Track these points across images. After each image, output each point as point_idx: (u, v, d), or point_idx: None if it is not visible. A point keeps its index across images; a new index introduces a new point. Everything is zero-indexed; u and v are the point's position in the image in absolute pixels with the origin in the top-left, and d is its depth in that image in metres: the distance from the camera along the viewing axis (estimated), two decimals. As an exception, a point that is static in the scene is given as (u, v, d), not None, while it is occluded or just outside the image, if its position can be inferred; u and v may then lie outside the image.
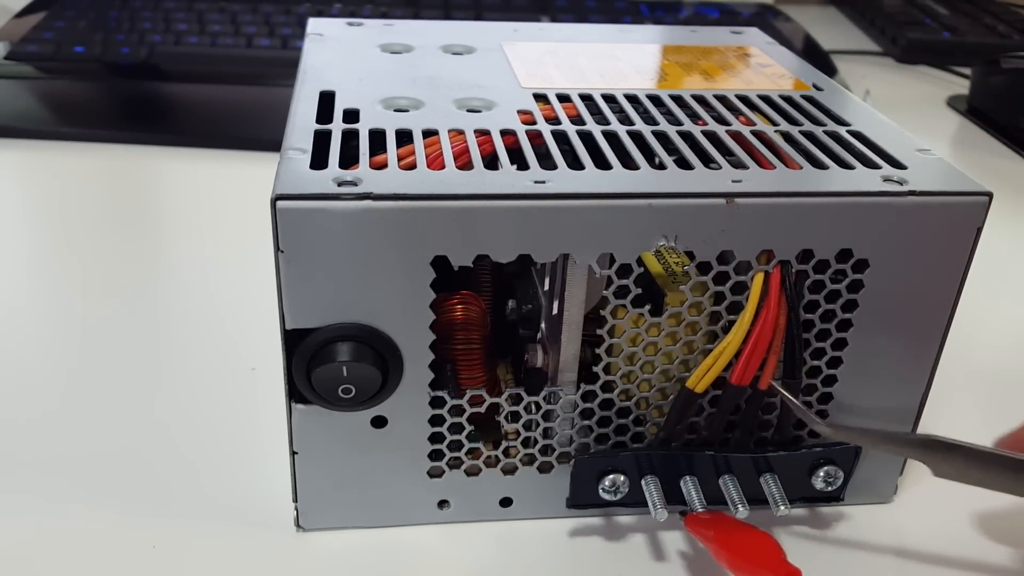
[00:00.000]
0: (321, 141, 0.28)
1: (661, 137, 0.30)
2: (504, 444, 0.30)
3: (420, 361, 0.28)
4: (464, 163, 0.28)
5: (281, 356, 0.27)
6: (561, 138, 0.30)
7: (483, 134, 0.29)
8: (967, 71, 0.72)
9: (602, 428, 0.30)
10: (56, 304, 0.42)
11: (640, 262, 0.27)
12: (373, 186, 0.25)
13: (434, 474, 0.30)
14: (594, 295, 0.28)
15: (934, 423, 0.35)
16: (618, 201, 0.26)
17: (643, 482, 0.30)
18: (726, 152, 0.29)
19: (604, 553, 0.30)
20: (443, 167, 0.27)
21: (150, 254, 0.46)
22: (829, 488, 0.31)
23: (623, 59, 0.38)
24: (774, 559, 0.27)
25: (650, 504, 0.29)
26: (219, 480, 0.32)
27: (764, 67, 0.38)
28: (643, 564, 0.30)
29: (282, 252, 0.25)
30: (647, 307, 0.28)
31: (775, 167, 0.28)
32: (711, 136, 0.30)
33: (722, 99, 0.34)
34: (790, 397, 0.28)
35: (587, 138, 0.30)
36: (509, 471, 0.30)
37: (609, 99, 0.33)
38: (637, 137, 0.30)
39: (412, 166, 0.27)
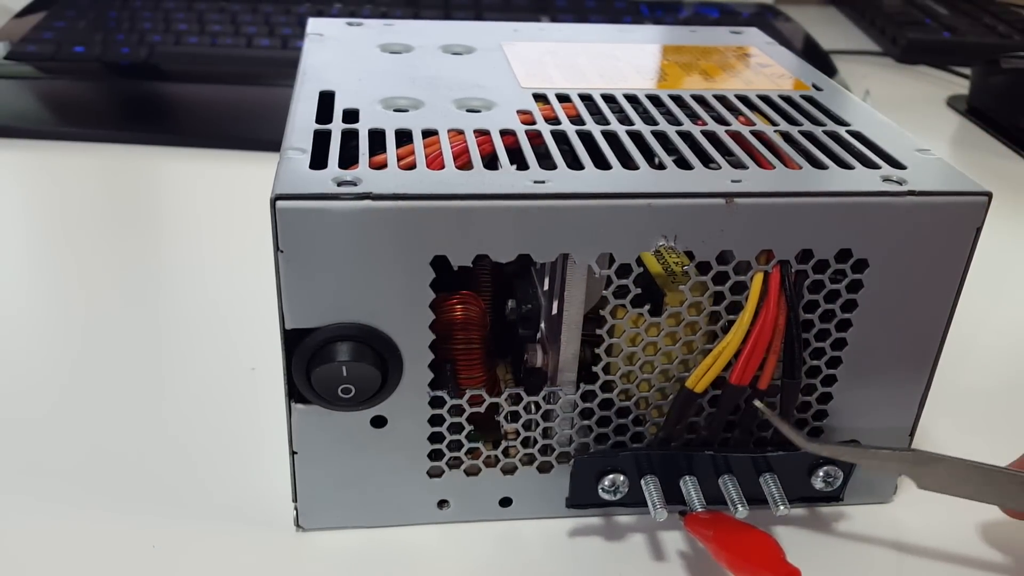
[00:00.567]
0: (321, 141, 0.28)
1: (661, 137, 0.30)
2: (504, 444, 0.30)
3: (420, 361, 0.28)
4: (464, 163, 0.28)
5: (281, 356, 0.27)
6: (561, 138, 0.30)
7: (483, 134, 0.29)
8: (967, 71, 0.72)
9: (602, 428, 0.30)
10: (56, 304, 0.42)
11: (640, 262, 0.27)
12: (373, 186, 0.26)
13: (434, 474, 0.30)
14: (593, 295, 0.28)
15: (933, 423, 0.35)
16: (618, 201, 0.26)
17: (643, 482, 0.30)
18: (726, 152, 0.29)
19: (604, 553, 0.30)
20: (443, 167, 0.27)
21: (150, 254, 0.46)
22: (828, 488, 0.31)
23: (623, 59, 0.38)
24: (774, 559, 0.27)
25: (650, 504, 0.29)
26: (219, 480, 0.32)
27: (764, 67, 0.38)
28: (643, 564, 0.30)
29: (282, 252, 0.25)
30: (646, 307, 0.28)
31: (774, 167, 0.28)
32: (711, 136, 0.30)
33: (722, 99, 0.34)
34: (771, 413, 0.28)
35: (587, 138, 0.30)
36: (509, 471, 0.30)
37: (609, 99, 0.33)
38: (637, 137, 0.30)
39: (412, 166, 0.27)
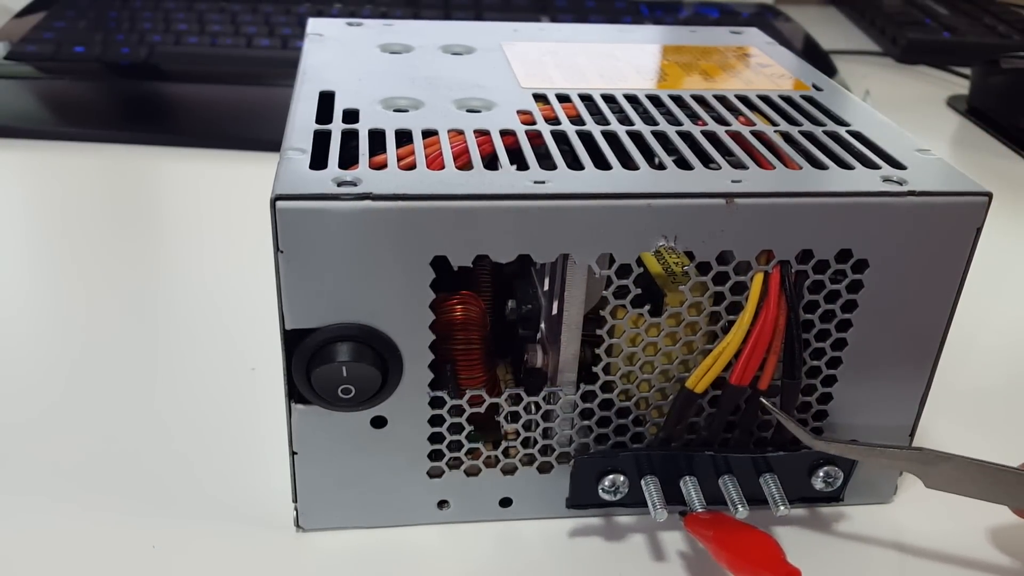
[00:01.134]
0: (321, 141, 0.28)
1: (661, 137, 0.30)
2: (504, 444, 0.30)
3: (420, 361, 0.28)
4: (464, 163, 0.28)
5: (281, 356, 0.27)
6: (561, 138, 0.30)
7: (483, 134, 0.29)
8: (967, 71, 0.72)
9: (602, 428, 0.30)
10: (56, 304, 0.42)
11: (640, 262, 0.27)
12: (373, 186, 0.26)
13: (434, 474, 0.30)
14: (594, 295, 0.28)
15: (933, 424, 0.35)
16: (618, 201, 0.26)
17: (643, 482, 0.30)
18: (726, 152, 0.29)
19: (604, 553, 0.30)
20: (443, 167, 0.27)
21: (150, 254, 0.46)
22: (829, 488, 0.31)
23: (623, 59, 0.38)
24: (774, 559, 0.27)
25: (650, 504, 0.29)
26: (219, 480, 0.32)
27: (764, 67, 0.38)
28: (643, 564, 0.30)
29: (282, 252, 0.25)
30: (647, 307, 0.28)
31: (775, 167, 0.28)
32: (711, 136, 0.30)
33: (722, 99, 0.34)
34: (779, 412, 0.29)
35: (587, 138, 0.30)
36: (509, 471, 0.30)
37: (609, 99, 0.33)
38: (637, 137, 0.30)
39: (412, 166, 0.27)
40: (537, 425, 0.30)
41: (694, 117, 0.32)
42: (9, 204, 0.51)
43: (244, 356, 0.38)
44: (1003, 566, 0.30)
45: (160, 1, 0.73)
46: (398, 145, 0.28)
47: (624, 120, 0.31)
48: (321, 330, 0.27)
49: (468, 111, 0.31)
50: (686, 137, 0.30)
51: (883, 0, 0.87)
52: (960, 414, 0.37)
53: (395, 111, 0.31)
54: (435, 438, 0.29)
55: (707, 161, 0.29)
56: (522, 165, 0.28)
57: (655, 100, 0.33)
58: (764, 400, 0.29)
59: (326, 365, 0.26)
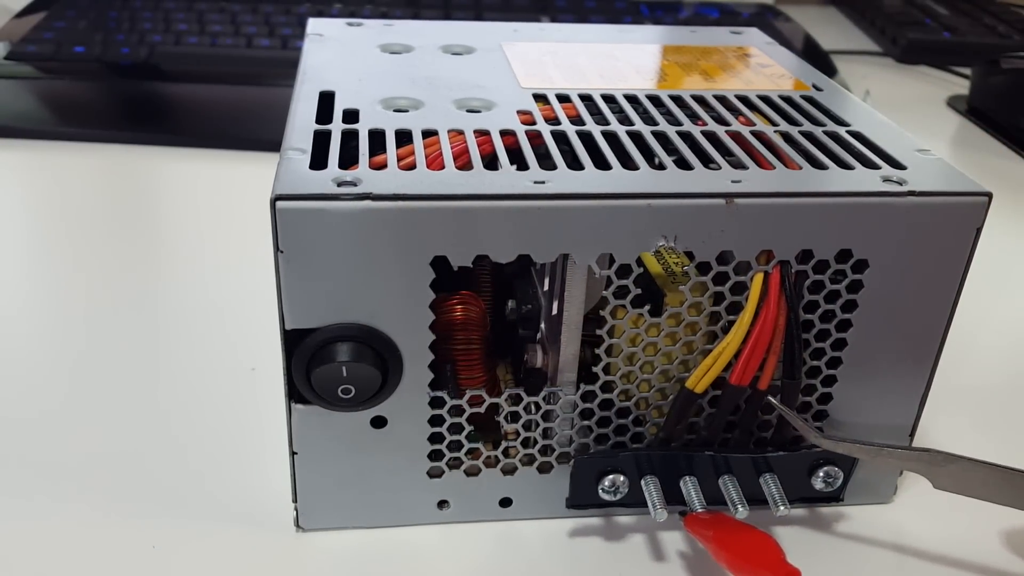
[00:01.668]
0: (321, 141, 0.28)
1: (661, 137, 0.30)
2: (504, 444, 0.30)
3: (420, 361, 0.28)
4: (464, 163, 0.28)
5: (281, 356, 0.27)
6: (561, 138, 0.30)
7: (483, 134, 0.29)
8: (967, 71, 0.72)
9: (602, 428, 0.30)
10: (56, 304, 0.42)
11: (640, 262, 0.27)
12: (373, 186, 0.26)
13: (434, 474, 0.30)
14: (593, 295, 0.28)
15: (933, 424, 0.35)
16: (618, 201, 0.26)
17: (643, 482, 0.30)
18: (725, 152, 0.29)
19: (604, 553, 0.30)
20: (443, 167, 0.27)
21: (150, 254, 0.46)
22: (829, 488, 0.31)
23: (623, 59, 0.38)
24: (774, 559, 0.27)
25: (650, 504, 0.29)
26: (219, 480, 0.32)
27: (764, 67, 0.38)
28: (643, 564, 0.30)
29: (282, 252, 0.25)
30: (646, 307, 0.28)
31: (774, 167, 0.28)
32: (711, 136, 0.30)
33: (722, 99, 0.34)
34: (787, 410, 0.29)
35: (587, 138, 0.30)
36: (509, 471, 0.30)
37: (609, 99, 0.33)
38: (637, 137, 0.30)
39: (412, 166, 0.27)
40: (537, 425, 0.30)
41: (694, 117, 0.32)
42: (9, 204, 0.51)
43: (244, 356, 0.38)
44: (1003, 566, 0.30)
45: (160, 1, 0.73)
46: (398, 145, 0.28)
47: (624, 120, 0.31)
48: (321, 330, 0.27)
49: (468, 111, 0.31)
50: (686, 137, 0.30)
51: (883, 0, 0.87)
52: (960, 413, 0.37)
53: (395, 111, 0.31)
54: (435, 438, 0.29)
55: (707, 161, 0.29)
56: (522, 165, 0.28)
57: (655, 100, 0.33)
58: (771, 399, 0.29)
59: (326, 365, 0.26)
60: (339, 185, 0.25)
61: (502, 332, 0.32)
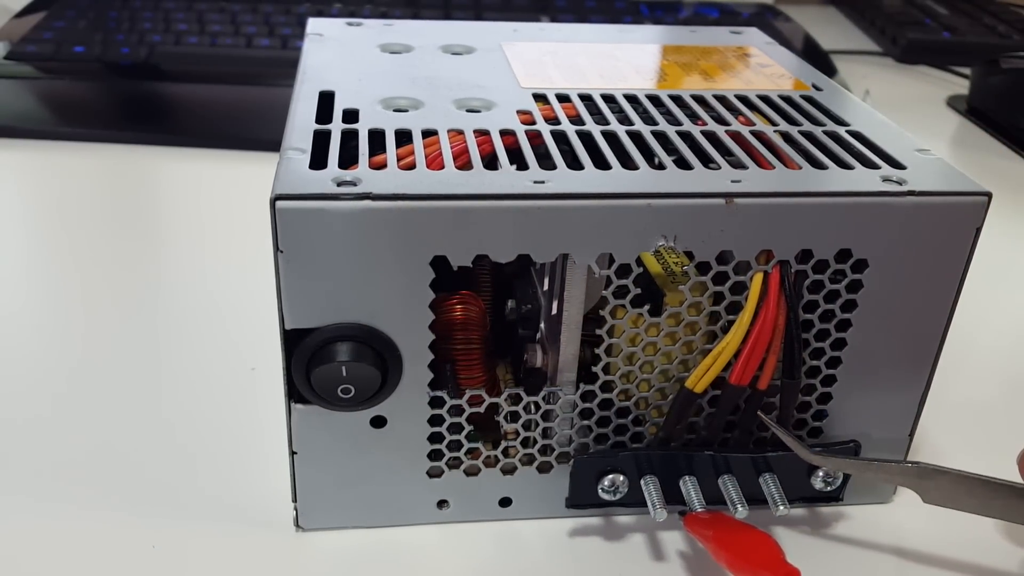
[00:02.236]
0: (320, 141, 0.28)
1: (660, 137, 0.30)
2: (503, 444, 0.30)
3: (419, 361, 0.28)
4: (463, 163, 0.28)
5: (281, 356, 0.27)
6: (560, 138, 0.30)
7: (482, 134, 0.29)
8: (967, 71, 0.72)
9: (601, 428, 0.30)
10: (56, 304, 0.42)
11: (639, 262, 0.27)
12: (372, 186, 0.26)
13: (433, 474, 0.30)
14: (593, 295, 0.28)
15: (933, 424, 0.35)
16: (617, 201, 0.26)
17: (642, 482, 0.30)
18: (725, 152, 0.29)
19: (603, 553, 0.30)
20: (442, 167, 0.27)
21: (150, 254, 0.46)
22: (828, 488, 0.31)
23: (623, 59, 0.38)
24: (773, 559, 0.27)
25: (649, 504, 0.29)
26: (219, 480, 0.32)
27: (764, 67, 0.38)
28: (642, 564, 0.30)
29: (281, 252, 0.25)
30: (646, 307, 0.28)
31: (774, 167, 0.28)
32: (710, 136, 0.30)
33: (721, 99, 0.34)
34: (778, 427, 0.29)
35: (586, 138, 0.30)
36: (508, 471, 0.30)
37: (608, 99, 0.33)
38: (636, 137, 0.30)
39: (411, 166, 0.27)
40: (537, 425, 0.30)
41: (694, 117, 0.32)
42: (9, 204, 0.51)
43: (244, 356, 0.38)
44: (1003, 566, 0.30)
45: (160, 1, 0.73)
46: (398, 145, 0.28)
47: (624, 120, 0.31)
48: (321, 330, 0.27)
49: (468, 111, 0.31)
50: (686, 137, 0.30)
51: (883, 0, 0.87)
52: (961, 414, 0.37)
53: (395, 111, 0.31)
54: (435, 438, 0.29)
55: (707, 161, 0.29)
56: (522, 165, 0.28)
57: (655, 100, 0.33)
58: (762, 415, 0.29)
59: (326, 365, 0.26)
60: (339, 185, 0.25)
61: (502, 332, 0.32)
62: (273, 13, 0.71)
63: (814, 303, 0.29)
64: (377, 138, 0.29)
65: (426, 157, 0.28)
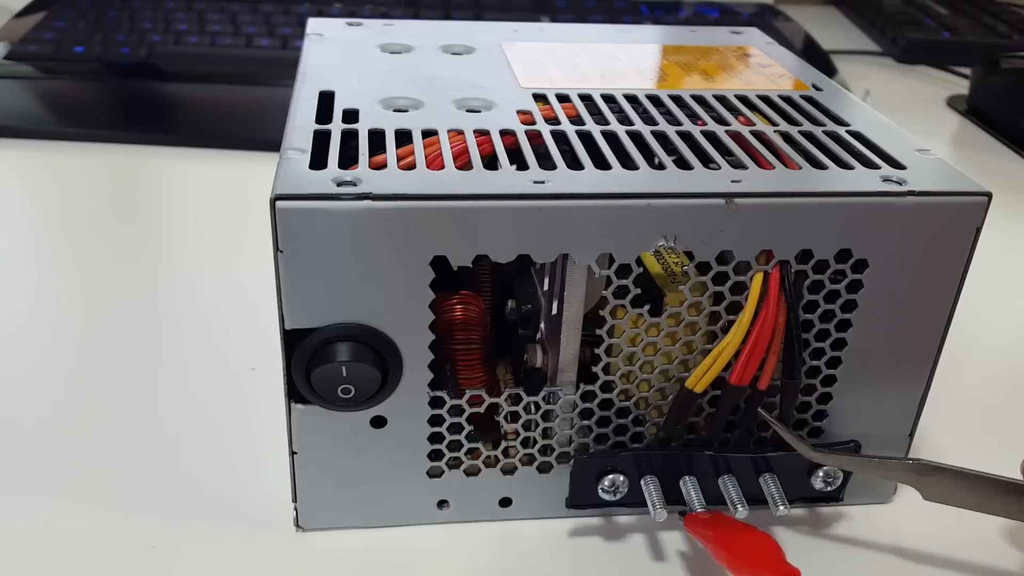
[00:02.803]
0: (320, 141, 0.28)
1: (660, 137, 0.30)
2: (503, 444, 0.30)
3: (419, 361, 0.28)
4: (463, 163, 0.28)
5: (281, 356, 0.27)
6: (560, 138, 0.30)
7: (482, 134, 0.29)
8: (967, 71, 0.72)
9: (601, 428, 0.30)
10: (56, 304, 0.42)
11: (639, 262, 0.27)
12: (372, 186, 0.26)
13: (433, 474, 0.30)
14: (593, 295, 0.28)
15: (933, 425, 0.35)
16: (617, 201, 0.26)
17: (642, 482, 0.30)
18: (725, 152, 0.29)
19: (604, 553, 0.30)
20: (442, 167, 0.27)
21: (150, 254, 0.46)
22: (828, 488, 0.31)
23: (623, 59, 0.38)
24: (773, 559, 0.27)
25: (649, 504, 0.29)
26: (219, 480, 0.32)
27: (764, 67, 0.38)
28: (642, 564, 0.30)
29: (281, 252, 0.25)
30: (646, 307, 0.28)
31: (774, 167, 0.28)
32: (710, 136, 0.30)
33: (721, 99, 0.34)
34: (779, 425, 0.29)
35: (586, 138, 0.30)
36: (508, 471, 0.30)
37: (608, 99, 0.33)
38: (636, 137, 0.30)
39: (411, 166, 0.27)
40: (537, 425, 0.30)
41: (694, 117, 0.32)
42: (9, 204, 0.51)
43: (244, 356, 0.38)
44: (1003, 566, 0.30)
45: (160, 1, 0.73)
46: (398, 145, 0.28)
47: (624, 120, 0.31)
48: (321, 330, 0.27)
49: (468, 111, 0.31)
50: (686, 137, 0.30)
51: (883, 0, 0.87)
52: (960, 414, 0.37)
53: (395, 111, 0.31)
54: (435, 438, 0.29)
55: (707, 161, 0.29)
56: (522, 165, 0.28)
57: (655, 100, 0.33)
58: (762, 412, 0.29)
59: (326, 365, 0.26)
60: (339, 185, 0.25)
61: (502, 332, 0.32)
62: (273, 13, 0.71)
63: (814, 303, 0.29)
64: (377, 138, 0.29)
65: (426, 157, 0.28)
